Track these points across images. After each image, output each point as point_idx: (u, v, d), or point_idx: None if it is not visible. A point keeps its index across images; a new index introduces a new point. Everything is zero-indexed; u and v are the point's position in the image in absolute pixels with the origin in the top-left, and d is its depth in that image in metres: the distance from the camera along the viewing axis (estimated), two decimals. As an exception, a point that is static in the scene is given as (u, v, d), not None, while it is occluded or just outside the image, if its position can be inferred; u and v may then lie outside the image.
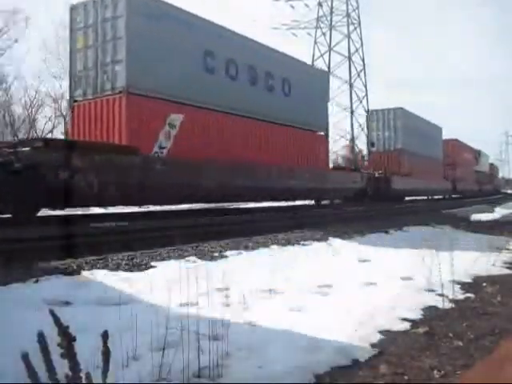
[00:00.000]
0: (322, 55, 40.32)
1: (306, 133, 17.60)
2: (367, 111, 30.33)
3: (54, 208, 9.78)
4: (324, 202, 20.75)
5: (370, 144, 27.00)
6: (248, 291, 4.23)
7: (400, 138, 26.87)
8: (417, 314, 4.02)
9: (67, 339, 1.28)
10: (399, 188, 24.75)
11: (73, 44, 11.76)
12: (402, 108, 28.26)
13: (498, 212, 21.31)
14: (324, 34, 40.72)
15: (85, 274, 4.90)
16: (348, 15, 40.54)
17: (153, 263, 5.58)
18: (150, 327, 2.96)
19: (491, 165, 57.88)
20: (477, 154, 46.92)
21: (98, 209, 14.50)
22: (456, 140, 39.17)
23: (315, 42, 40.62)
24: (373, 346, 3.20)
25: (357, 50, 40.50)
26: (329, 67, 39.65)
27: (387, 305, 4.19)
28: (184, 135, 11.84)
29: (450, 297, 4.60)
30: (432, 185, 31.31)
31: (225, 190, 12.90)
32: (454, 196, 37.53)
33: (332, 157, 28.47)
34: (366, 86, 40.05)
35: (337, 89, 39.06)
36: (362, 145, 34.85)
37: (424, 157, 29.41)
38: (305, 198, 19.45)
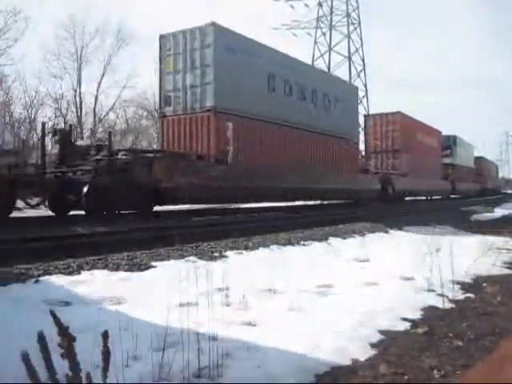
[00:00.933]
0: (322, 55, 40.40)
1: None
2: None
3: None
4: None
5: (164, 101, 13.84)
6: (248, 291, 4.23)
7: (212, 85, 12.87)
8: (417, 314, 4.02)
9: (67, 339, 1.28)
10: (183, 183, 11.54)
11: None
12: (214, 24, 13.39)
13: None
14: (324, 33, 40.83)
15: (85, 273, 4.91)
16: (348, 15, 40.62)
17: (153, 263, 5.58)
18: (150, 327, 2.97)
19: (478, 159, 44.60)
20: (451, 142, 34.18)
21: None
22: (400, 113, 25.13)
23: (315, 42, 40.71)
24: (373, 346, 3.21)
25: (357, 50, 40.60)
26: (329, 67, 39.70)
27: (387, 305, 4.19)
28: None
29: (450, 297, 4.60)
30: (311, 182, 16.11)
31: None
32: (392, 199, 22.65)
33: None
34: (366, 86, 40.17)
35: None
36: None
37: (298, 129, 16.06)
38: None
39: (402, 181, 23.71)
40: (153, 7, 76.10)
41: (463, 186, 36.11)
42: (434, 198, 31.43)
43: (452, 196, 33.81)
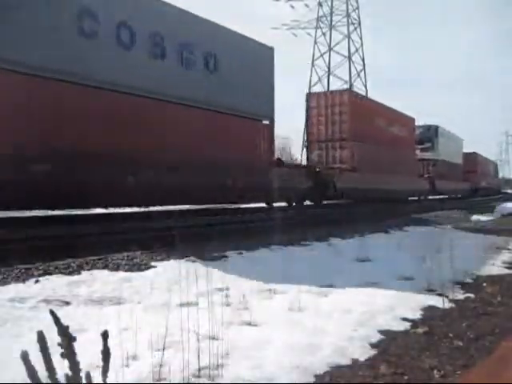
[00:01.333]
0: (322, 55, 40.39)
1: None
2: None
3: None
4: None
5: None
6: (248, 291, 4.23)
7: None
8: (417, 314, 4.02)
9: (67, 339, 1.28)
10: None
11: None
12: None
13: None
14: (324, 34, 40.79)
15: (85, 273, 4.91)
16: (348, 15, 40.59)
17: (153, 263, 5.58)
18: (150, 327, 2.97)
19: (469, 155, 39.08)
20: (431, 133, 29.15)
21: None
22: (350, 92, 21.95)
23: (315, 42, 40.67)
24: (373, 346, 3.21)
25: (357, 50, 40.57)
26: (329, 67, 39.72)
27: (387, 305, 4.19)
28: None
29: (450, 297, 4.60)
30: (167, 176, 10.29)
31: None
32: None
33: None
34: (366, 86, 40.13)
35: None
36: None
37: (146, 98, 10.16)
38: None
39: (349, 178, 17.84)
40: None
41: (447, 184, 30.77)
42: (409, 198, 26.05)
43: (431, 197, 29.18)
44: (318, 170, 17.22)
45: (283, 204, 15.67)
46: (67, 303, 3.87)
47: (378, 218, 13.57)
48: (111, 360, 1.39)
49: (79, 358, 1.30)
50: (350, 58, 39.96)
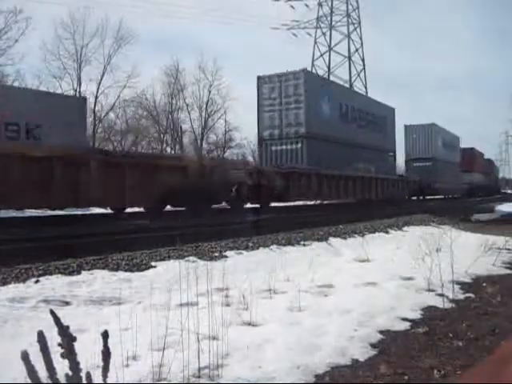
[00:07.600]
0: (322, 55, 40.36)
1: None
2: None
3: None
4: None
5: None
6: (248, 291, 4.22)
7: None
8: (417, 314, 4.02)
9: (67, 339, 1.28)
10: None
11: None
12: None
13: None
14: (324, 34, 40.75)
15: (85, 273, 4.90)
16: (348, 15, 40.56)
17: (153, 263, 5.58)
18: (150, 327, 2.96)
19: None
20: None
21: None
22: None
23: (315, 42, 40.62)
24: (373, 346, 3.20)
25: (357, 50, 40.54)
26: (329, 67, 39.69)
27: (387, 305, 4.19)
28: None
29: (450, 297, 4.59)
30: None
31: None
32: None
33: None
34: (366, 86, 40.09)
35: (337, 89, 39.01)
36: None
37: None
38: None
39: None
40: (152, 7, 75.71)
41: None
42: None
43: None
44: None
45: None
46: (67, 303, 3.87)
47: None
48: (111, 360, 1.39)
49: (79, 357, 1.30)
50: (349, 57, 39.95)
